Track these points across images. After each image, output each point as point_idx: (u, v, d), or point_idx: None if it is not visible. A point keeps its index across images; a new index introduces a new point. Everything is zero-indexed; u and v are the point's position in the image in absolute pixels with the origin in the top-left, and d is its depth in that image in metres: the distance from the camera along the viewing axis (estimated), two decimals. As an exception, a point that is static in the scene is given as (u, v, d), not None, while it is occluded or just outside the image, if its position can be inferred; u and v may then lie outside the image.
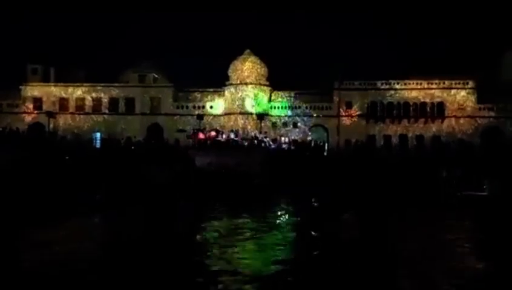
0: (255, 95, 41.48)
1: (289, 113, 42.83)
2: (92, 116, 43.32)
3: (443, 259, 13.94)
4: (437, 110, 41.56)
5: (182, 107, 43.39)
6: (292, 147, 37.60)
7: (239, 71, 41.65)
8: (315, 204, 26.14)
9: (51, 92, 43.49)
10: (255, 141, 36.25)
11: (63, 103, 43.48)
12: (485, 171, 27.05)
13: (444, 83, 41.83)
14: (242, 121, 40.94)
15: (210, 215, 21.07)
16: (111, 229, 18.24)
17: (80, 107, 43.51)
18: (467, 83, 41.72)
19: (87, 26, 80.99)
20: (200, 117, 38.39)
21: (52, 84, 43.88)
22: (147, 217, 21.11)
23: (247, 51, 42.68)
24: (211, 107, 43.12)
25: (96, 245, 15.12)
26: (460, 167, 29.01)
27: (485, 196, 25.17)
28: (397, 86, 42.33)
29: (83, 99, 43.65)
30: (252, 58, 42.15)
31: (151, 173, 29.13)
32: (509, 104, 40.05)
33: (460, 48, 57.87)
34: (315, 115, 42.79)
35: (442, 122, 41.53)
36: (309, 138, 41.78)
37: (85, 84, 43.85)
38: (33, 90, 43.41)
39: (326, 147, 37.75)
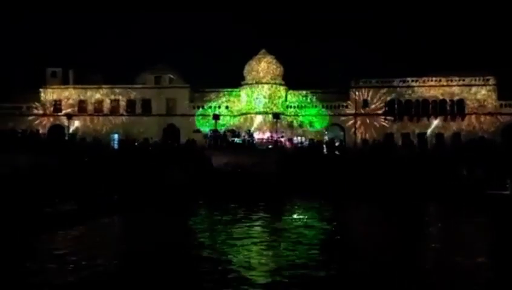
0: (271, 95, 41.30)
1: (305, 112, 42.54)
2: (110, 118, 43.80)
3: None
4: (457, 108, 40.72)
5: (198, 107, 43.54)
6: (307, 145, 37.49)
7: (255, 71, 41.56)
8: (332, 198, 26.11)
9: (70, 94, 44.18)
10: (271, 141, 36.19)
11: (81, 105, 44.12)
12: (507, 169, 26.36)
13: (464, 80, 40.94)
14: (258, 121, 40.80)
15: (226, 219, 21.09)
16: (128, 232, 18.26)
17: (98, 109, 44.09)
18: (488, 80, 40.76)
19: (105, 28, 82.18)
20: (216, 117, 38.43)
21: (71, 86, 44.58)
22: (164, 219, 21.18)
23: (263, 50, 42.54)
24: (227, 107, 43.14)
25: (112, 251, 15.04)
26: (482, 166, 28.39)
27: (508, 195, 24.50)
28: (415, 84, 41.62)
29: (101, 101, 44.20)
30: (268, 57, 41.99)
31: (168, 173, 29.33)
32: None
33: (480, 45, 56.65)
34: (331, 113, 42.40)
35: (463, 119, 40.67)
36: (325, 137, 41.51)
37: (103, 86, 44.39)
38: (52, 93, 44.17)
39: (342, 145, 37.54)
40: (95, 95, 44.21)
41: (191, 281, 11.36)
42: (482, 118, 40.32)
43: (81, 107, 44.01)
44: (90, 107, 44.09)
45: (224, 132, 37.27)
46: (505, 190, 25.12)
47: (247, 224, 18.95)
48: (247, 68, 42.22)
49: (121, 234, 18.11)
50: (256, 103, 41.26)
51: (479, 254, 13.96)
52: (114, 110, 43.98)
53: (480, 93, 40.68)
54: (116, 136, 42.43)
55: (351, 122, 41.89)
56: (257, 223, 19.28)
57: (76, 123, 42.79)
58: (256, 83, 41.32)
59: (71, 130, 41.32)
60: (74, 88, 44.43)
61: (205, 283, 11.03)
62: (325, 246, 15.09)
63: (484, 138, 38.59)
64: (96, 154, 34.40)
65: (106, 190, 27.10)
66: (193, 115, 42.99)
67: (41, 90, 44.07)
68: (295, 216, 21.21)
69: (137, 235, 17.52)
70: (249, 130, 37.20)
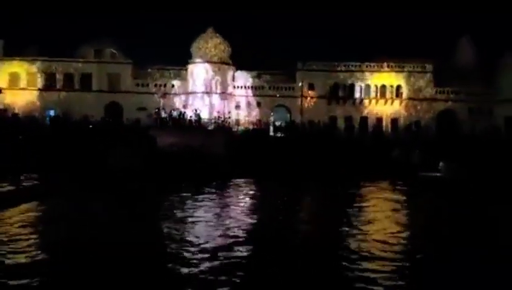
0: (218, 74, 40.72)
1: (253, 93, 42.56)
2: (46, 93, 41.01)
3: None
4: (397, 94, 42.70)
5: (142, 85, 41.97)
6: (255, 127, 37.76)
7: (203, 49, 40.65)
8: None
9: (0, 66, 40.68)
10: (219, 122, 35.91)
11: (14, 78, 40.86)
12: (440, 153, 28.24)
13: (403, 67, 42.87)
14: (205, 101, 40.20)
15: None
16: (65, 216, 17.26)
17: (32, 83, 41.07)
18: (425, 67, 42.99)
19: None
20: (162, 96, 37.33)
21: (1, 58, 41.02)
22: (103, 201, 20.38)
23: (210, 29, 41.58)
24: (173, 85, 42.00)
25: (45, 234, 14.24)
26: (417, 149, 30.20)
27: (440, 177, 26.29)
28: (358, 69, 42.95)
29: (35, 74, 41.17)
30: (216, 36, 41.19)
31: (111, 154, 28.14)
32: (463, 90, 41.85)
33: (419, 34, 59.45)
34: (277, 95, 42.76)
35: (400, 104, 42.76)
36: (272, 118, 41.95)
37: (37, 58, 41.29)
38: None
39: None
40: (28, 68, 41.09)
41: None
42: (419, 104, 42.66)
43: (13, 81, 40.78)
44: (23, 81, 40.97)
45: (171, 111, 36.31)
46: (438, 172, 26.89)
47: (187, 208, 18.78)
48: (194, 46, 41.18)
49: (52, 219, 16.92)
50: (204, 82, 40.55)
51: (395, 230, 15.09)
52: (50, 85, 41.19)
53: (418, 80, 42.87)
54: (52, 112, 39.90)
55: (297, 104, 42.55)
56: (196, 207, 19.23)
57: (7, 98, 39.57)
58: (204, 61, 40.50)
59: (1, 106, 38.17)
60: (4, 59, 40.94)
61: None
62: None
63: (419, 123, 41.04)
64: (30, 132, 32.20)
65: (40, 171, 25.56)
66: (138, 93, 41.43)
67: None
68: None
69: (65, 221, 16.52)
70: (196, 110, 36.56)
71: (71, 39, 59.81)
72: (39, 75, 41.21)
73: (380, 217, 17.30)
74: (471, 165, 26.23)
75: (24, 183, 22.08)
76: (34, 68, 41.17)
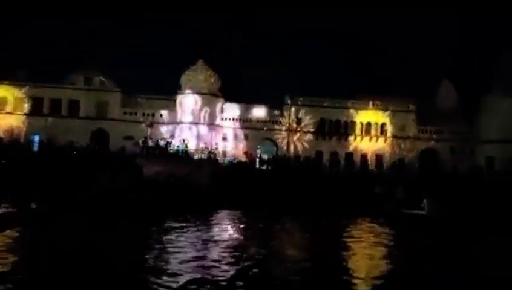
0: (207, 106, 41.14)
1: (240, 125, 42.94)
2: (32, 118, 40.71)
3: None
4: (381, 131, 43.58)
5: (130, 113, 42.04)
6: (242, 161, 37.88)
7: (192, 80, 41.21)
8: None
9: (-15, 89, 40.48)
10: (205, 153, 35.98)
11: (0, 101, 40.58)
12: (423, 191, 28.61)
13: (387, 106, 43.96)
14: (193, 131, 40.34)
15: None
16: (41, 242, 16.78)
17: (18, 107, 40.81)
18: (408, 107, 44.16)
19: (30, 25, 76.65)
20: (150, 125, 37.39)
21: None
22: (85, 228, 19.96)
23: (200, 61, 42.34)
24: (161, 115, 42.18)
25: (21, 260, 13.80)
26: (401, 186, 30.58)
27: (423, 214, 26.55)
28: (345, 105, 43.90)
29: (22, 99, 40.99)
30: (205, 68, 41.91)
31: (96, 181, 27.82)
32: (445, 129, 43.01)
33: (403, 74, 61.38)
34: (265, 128, 43.21)
35: (385, 142, 43.56)
36: (258, 152, 42.17)
37: (25, 83, 41.21)
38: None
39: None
40: (16, 92, 40.93)
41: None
42: (403, 143, 43.53)
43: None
44: (10, 106, 40.70)
45: (158, 140, 36.31)
46: (421, 210, 27.16)
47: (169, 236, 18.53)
48: (183, 78, 41.74)
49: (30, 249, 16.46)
50: (192, 113, 40.84)
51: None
52: (37, 110, 40.97)
53: (401, 119, 43.91)
54: (37, 137, 39.46)
55: (283, 138, 42.99)
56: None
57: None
58: (193, 92, 40.96)
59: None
60: (-9, 83, 40.78)
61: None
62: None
63: (403, 160, 41.72)
64: (13, 156, 31.76)
65: (24, 196, 25.08)
66: (125, 121, 41.43)
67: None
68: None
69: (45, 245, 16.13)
70: (183, 140, 36.64)
71: (60, 65, 59.94)
72: (26, 100, 41.03)
73: (364, 253, 17.32)
74: (453, 203, 26.63)
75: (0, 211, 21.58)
76: (21, 93, 41.02)
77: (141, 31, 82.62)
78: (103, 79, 43.39)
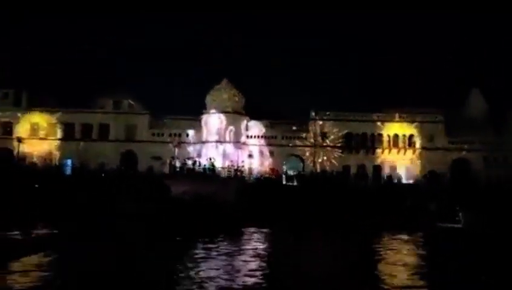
0: (232, 124, 41.52)
1: (265, 142, 43.00)
2: (64, 142, 42.14)
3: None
4: (409, 142, 42.69)
5: (158, 134, 42.88)
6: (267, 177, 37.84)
7: (217, 100, 41.78)
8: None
9: (21, 117, 42.28)
10: (232, 171, 36.12)
11: (34, 128, 42.27)
12: (458, 203, 27.66)
13: (415, 117, 43.13)
14: (219, 150, 40.69)
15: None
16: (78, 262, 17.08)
17: (51, 133, 42.36)
18: (436, 117, 43.16)
19: (61, 51, 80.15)
20: (177, 145, 37.95)
21: (23, 109, 42.70)
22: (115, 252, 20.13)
23: (225, 80, 42.97)
24: (187, 135, 42.81)
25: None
26: (434, 199, 29.67)
27: (460, 228, 25.60)
28: (370, 118, 43.36)
29: (55, 124, 42.55)
30: (230, 87, 42.46)
31: (121, 202, 28.27)
32: (476, 139, 41.76)
33: (430, 84, 60.38)
34: (290, 144, 43.10)
35: (414, 153, 42.58)
36: (284, 168, 42.03)
37: (58, 109, 42.83)
38: (3, 115, 42.10)
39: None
40: (49, 118, 42.56)
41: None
42: (432, 154, 42.39)
43: (33, 131, 42.16)
44: (43, 131, 42.31)
45: (185, 159, 36.78)
46: (457, 223, 26.21)
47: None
48: (208, 97, 42.38)
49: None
50: (218, 132, 41.27)
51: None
52: (69, 135, 42.39)
53: (430, 130, 42.91)
54: (69, 161, 40.72)
55: (309, 153, 42.71)
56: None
57: (27, 147, 40.72)
58: (218, 112, 41.46)
59: (20, 155, 39.15)
60: (27, 111, 42.58)
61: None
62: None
63: (434, 172, 40.55)
64: (46, 180, 32.80)
65: (54, 220, 25.70)
66: (153, 142, 42.26)
67: (-9, 111, 41.99)
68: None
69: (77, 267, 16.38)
70: (210, 159, 36.95)
71: (90, 90, 62.07)
72: (58, 126, 42.54)
73: (402, 270, 16.65)
74: (490, 215, 25.58)
75: (35, 232, 22.21)
76: (54, 119, 42.59)
77: (166, 53, 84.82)
78: (131, 102, 44.61)
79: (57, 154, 41.66)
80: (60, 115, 42.71)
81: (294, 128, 44.06)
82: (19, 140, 38.63)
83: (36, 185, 31.82)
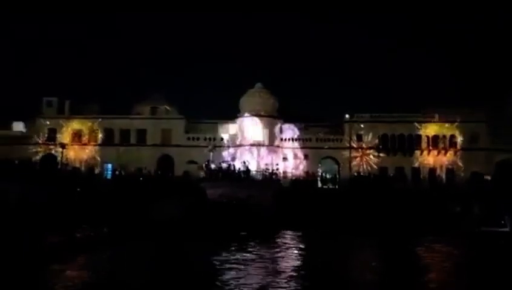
0: (266, 127, 41.59)
1: (300, 145, 42.75)
2: (104, 147, 43.58)
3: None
4: (450, 143, 41.22)
5: (193, 138, 43.55)
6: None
7: (251, 103, 41.98)
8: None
9: (64, 124, 44.11)
10: (267, 174, 36.13)
11: (76, 134, 43.99)
12: (504, 206, 26.38)
13: (455, 116, 41.58)
14: (254, 153, 40.84)
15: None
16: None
17: (92, 139, 43.95)
18: (477, 117, 41.37)
19: (101, 60, 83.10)
20: (212, 149, 38.38)
21: (66, 116, 44.54)
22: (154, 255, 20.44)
23: (258, 84, 43.15)
24: (222, 139, 43.23)
25: None
26: (478, 202, 28.44)
27: (505, 231, 24.41)
28: (408, 119, 42.21)
29: (95, 131, 44.12)
30: (263, 91, 42.58)
31: (158, 207, 28.83)
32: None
33: (471, 80, 58.15)
34: (325, 147, 42.64)
35: (455, 154, 41.08)
36: (319, 170, 41.62)
37: (98, 116, 44.39)
38: (48, 122, 44.10)
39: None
40: (90, 125, 44.18)
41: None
42: (475, 155, 40.67)
43: (75, 137, 43.87)
44: (85, 137, 43.96)
45: (220, 163, 37.14)
46: (503, 227, 25.01)
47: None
48: (243, 101, 42.66)
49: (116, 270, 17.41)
50: (252, 136, 41.43)
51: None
52: (109, 140, 43.81)
53: (471, 130, 41.25)
54: (110, 166, 42.08)
55: (345, 155, 42.09)
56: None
57: (70, 153, 42.49)
58: (252, 115, 41.65)
59: (64, 160, 40.87)
60: (69, 118, 44.38)
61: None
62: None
63: (477, 174, 38.86)
64: (88, 185, 34.02)
65: (96, 222, 26.53)
66: (188, 146, 42.93)
67: (37, 119, 44.05)
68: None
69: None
70: (245, 162, 37.14)
71: (128, 97, 64.07)
72: (98, 132, 44.07)
73: (448, 279, 15.93)
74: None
75: (77, 235, 23.06)
76: (94, 125, 44.15)
77: (201, 55, 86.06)
78: (167, 108, 45.60)
79: (98, 159, 43.11)
80: (100, 122, 44.21)
81: (322, 133, 43.58)
82: (62, 146, 40.36)
83: (78, 189, 33.02)
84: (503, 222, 25.15)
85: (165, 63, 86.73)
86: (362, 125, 42.21)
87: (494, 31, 67.85)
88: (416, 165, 41.33)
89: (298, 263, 18.27)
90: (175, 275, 15.91)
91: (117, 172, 39.22)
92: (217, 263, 18.01)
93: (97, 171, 41.28)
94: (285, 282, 14.83)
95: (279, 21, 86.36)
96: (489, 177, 37.79)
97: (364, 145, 41.94)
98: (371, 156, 41.68)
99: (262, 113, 41.61)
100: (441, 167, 41.02)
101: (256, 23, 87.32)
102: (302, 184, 36.42)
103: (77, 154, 43.17)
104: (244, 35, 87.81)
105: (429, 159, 41.33)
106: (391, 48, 79.63)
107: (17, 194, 29.14)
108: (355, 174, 39.82)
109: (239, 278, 15.36)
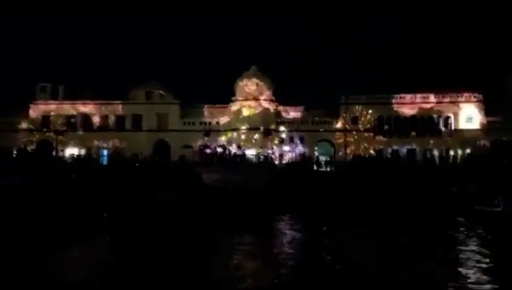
0: (261, 111, 41.41)
1: (296, 128, 42.65)
2: (100, 133, 43.43)
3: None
4: (446, 124, 41.19)
5: (189, 123, 43.40)
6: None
7: (246, 87, 41.71)
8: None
9: (59, 110, 43.83)
10: (263, 158, 36.15)
11: (71, 120, 43.78)
12: (498, 186, 26.44)
13: (451, 97, 41.49)
14: (249, 137, 40.75)
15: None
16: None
17: (87, 124, 43.74)
18: (475, 96, 41.35)
19: (95, 45, 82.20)
20: (207, 133, 38.32)
21: (60, 102, 44.23)
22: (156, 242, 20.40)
23: (254, 67, 42.79)
24: (217, 123, 43.09)
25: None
26: (472, 182, 28.48)
27: (499, 211, 24.51)
28: (404, 100, 42.07)
29: (90, 117, 43.87)
30: (259, 74, 42.26)
31: (161, 203, 28.74)
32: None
33: (467, 61, 57.79)
34: (321, 130, 42.57)
35: (451, 135, 41.10)
36: (316, 153, 41.63)
37: (92, 102, 44.11)
38: (42, 108, 43.79)
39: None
40: (84, 110, 43.91)
41: None
42: (470, 135, 40.72)
43: (70, 123, 43.66)
44: (80, 122, 43.74)
45: (215, 147, 37.13)
46: (496, 206, 25.12)
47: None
48: (238, 84, 42.36)
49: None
50: (247, 119, 41.28)
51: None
52: (104, 126, 43.62)
53: (467, 110, 41.21)
54: (105, 151, 42.02)
55: (341, 138, 42.07)
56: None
57: (65, 139, 42.33)
58: (247, 99, 41.42)
59: (59, 147, 40.77)
60: (63, 104, 44.08)
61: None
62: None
63: (473, 154, 38.97)
64: (85, 171, 33.90)
65: (94, 209, 26.49)
66: (184, 131, 42.82)
67: (30, 105, 43.73)
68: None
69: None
70: (240, 146, 37.12)
71: (121, 80, 63.56)
72: (93, 117, 43.82)
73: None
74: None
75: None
76: (89, 111, 43.87)
77: (195, 38, 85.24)
78: (162, 93, 45.32)
79: (93, 144, 43.01)
80: (95, 107, 43.95)
81: (324, 113, 43.50)
82: (58, 132, 40.18)
83: (73, 176, 32.90)
84: (496, 201, 25.22)
85: (160, 48, 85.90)
86: (357, 107, 42.08)
87: (494, 31, 66.99)
88: (412, 146, 41.36)
89: (295, 250, 18.14)
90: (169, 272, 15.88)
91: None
92: (215, 253, 17.81)
93: (91, 157, 41.20)
94: (284, 271, 14.80)
95: (276, 4, 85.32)
96: (485, 158, 37.90)
97: (360, 128, 41.89)
98: (367, 138, 41.67)
99: (257, 96, 41.38)
100: (436, 148, 41.08)
101: (253, 6, 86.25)
102: (298, 167, 36.39)
103: (72, 140, 42.99)
104: (239, 18, 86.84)
105: (424, 140, 41.36)
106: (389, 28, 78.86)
107: (17, 188, 28.95)
108: (351, 156, 39.83)
109: (237, 265, 15.23)
